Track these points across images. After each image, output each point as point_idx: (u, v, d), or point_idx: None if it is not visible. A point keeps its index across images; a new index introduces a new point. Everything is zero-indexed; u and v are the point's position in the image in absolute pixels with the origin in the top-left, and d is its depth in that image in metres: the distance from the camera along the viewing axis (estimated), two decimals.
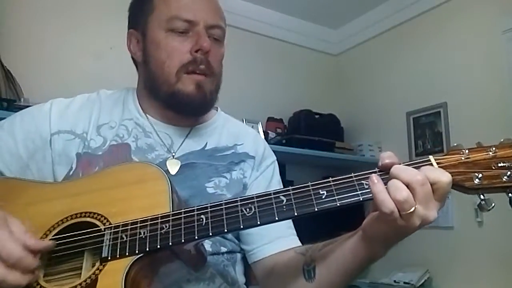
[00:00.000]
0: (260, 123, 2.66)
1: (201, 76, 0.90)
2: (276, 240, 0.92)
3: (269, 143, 2.74)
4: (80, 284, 0.68)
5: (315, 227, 1.25)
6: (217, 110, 1.05)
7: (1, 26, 2.11)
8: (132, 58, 1.00)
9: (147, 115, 0.96)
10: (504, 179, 0.62)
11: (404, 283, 2.46)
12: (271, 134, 2.73)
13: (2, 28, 2.10)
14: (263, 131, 2.66)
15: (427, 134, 2.66)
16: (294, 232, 0.96)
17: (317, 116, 2.89)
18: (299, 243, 0.94)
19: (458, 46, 2.54)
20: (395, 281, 2.51)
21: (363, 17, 3.09)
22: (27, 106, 1.84)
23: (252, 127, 2.57)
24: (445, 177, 0.62)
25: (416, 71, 2.77)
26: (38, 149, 0.90)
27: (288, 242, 0.93)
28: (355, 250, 0.73)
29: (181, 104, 0.91)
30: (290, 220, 0.96)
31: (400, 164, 0.65)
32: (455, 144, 0.67)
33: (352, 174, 0.67)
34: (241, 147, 0.99)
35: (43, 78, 2.15)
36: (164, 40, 0.89)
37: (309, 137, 2.72)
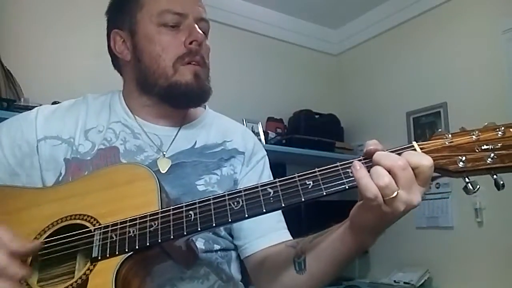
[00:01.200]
0: (260, 123, 2.66)
1: (197, 66, 0.92)
2: (267, 234, 0.92)
3: (269, 143, 2.74)
4: (71, 285, 0.68)
5: (310, 223, 1.26)
6: (205, 108, 1.06)
7: (1, 26, 2.11)
8: (113, 61, 1.00)
9: (136, 116, 0.96)
10: (488, 161, 0.62)
11: (404, 283, 2.46)
12: (271, 134, 2.73)
13: (2, 28, 2.11)
14: (263, 131, 2.66)
15: (427, 134, 2.65)
16: (285, 225, 0.97)
17: (317, 116, 2.89)
18: (290, 237, 0.94)
19: (458, 46, 2.54)
20: (395, 281, 2.51)
21: (363, 17, 3.10)
22: (27, 106, 1.86)
23: (252, 127, 2.57)
24: (426, 160, 0.63)
25: (416, 71, 2.77)
26: (25, 156, 0.89)
27: (280, 235, 0.93)
28: (344, 239, 0.74)
29: (179, 94, 0.91)
30: (281, 214, 0.97)
31: (383, 150, 0.66)
32: (439, 130, 0.68)
33: (338, 163, 0.67)
34: (230, 143, 0.99)
35: (43, 78, 2.15)
36: (157, 34, 0.90)
37: (309, 137, 2.72)
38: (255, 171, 0.99)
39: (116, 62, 1.00)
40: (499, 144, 0.62)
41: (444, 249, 2.49)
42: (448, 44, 2.60)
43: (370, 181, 0.62)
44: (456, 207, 2.45)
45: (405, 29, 2.87)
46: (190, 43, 0.90)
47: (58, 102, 1.20)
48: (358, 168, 0.64)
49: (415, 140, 0.68)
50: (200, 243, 0.86)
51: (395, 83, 2.90)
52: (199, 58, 0.92)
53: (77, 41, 2.30)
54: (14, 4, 2.18)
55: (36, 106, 1.82)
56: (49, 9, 2.26)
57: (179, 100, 0.93)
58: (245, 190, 0.69)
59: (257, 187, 0.68)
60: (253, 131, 2.59)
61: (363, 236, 0.71)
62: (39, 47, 2.20)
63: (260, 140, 2.51)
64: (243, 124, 2.51)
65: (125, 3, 0.95)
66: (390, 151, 0.66)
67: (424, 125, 2.68)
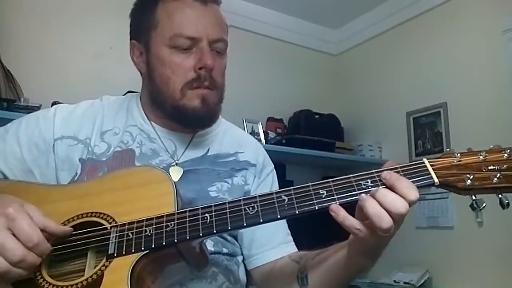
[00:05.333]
0: (260, 123, 2.66)
1: (206, 90, 0.91)
2: (278, 246, 0.96)
3: (269, 143, 2.74)
4: (86, 279, 0.69)
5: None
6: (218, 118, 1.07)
7: (1, 26, 2.11)
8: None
9: (152, 122, 0.98)
10: (494, 181, 0.65)
11: (404, 283, 2.46)
12: (271, 134, 2.73)
13: (2, 28, 2.11)
14: (263, 131, 2.66)
15: (427, 134, 2.66)
16: (292, 238, 1.00)
17: (317, 116, 2.89)
18: (296, 249, 0.98)
19: (458, 46, 2.55)
20: (395, 281, 2.51)
21: (363, 17, 3.10)
22: (27, 106, 1.86)
23: (252, 127, 2.57)
24: (414, 197, 0.65)
25: (416, 71, 2.77)
26: (41, 154, 0.91)
27: (289, 248, 0.97)
28: (344, 262, 0.77)
29: (186, 117, 0.92)
30: (287, 227, 1.01)
31: (396, 166, 0.69)
32: (448, 150, 0.71)
33: (351, 175, 0.70)
34: (242, 155, 1.01)
35: (43, 78, 2.15)
36: (168, 57, 0.90)
37: (309, 137, 2.72)
38: (265, 184, 1.02)
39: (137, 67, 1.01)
40: (504, 165, 0.66)
41: (444, 249, 2.49)
42: (448, 44, 2.60)
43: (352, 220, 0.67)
44: (456, 207, 2.45)
45: (405, 29, 2.86)
46: (200, 68, 0.89)
47: (58, 102, 1.20)
48: (336, 210, 0.67)
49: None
50: (209, 245, 0.88)
51: (395, 83, 2.90)
52: (207, 84, 0.91)
53: (77, 41, 2.30)
54: (14, 4, 2.18)
55: (36, 106, 1.84)
56: (49, 9, 2.26)
57: (186, 122, 0.94)
58: (260, 196, 0.71)
59: (271, 194, 0.70)
60: (253, 131, 2.60)
61: (362, 260, 0.75)
62: (39, 47, 2.20)
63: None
64: (243, 124, 2.52)
65: (143, 17, 0.95)
66: (401, 167, 0.69)
67: (424, 125, 2.68)
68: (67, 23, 2.29)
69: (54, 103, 1.73)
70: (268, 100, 2.91)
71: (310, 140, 2.71)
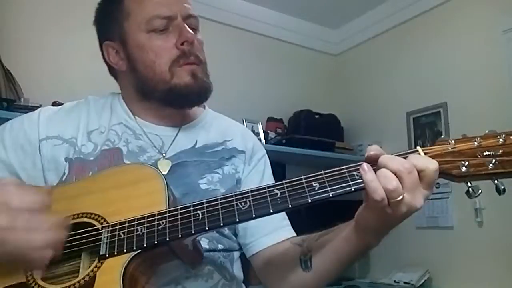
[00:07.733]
0: (260, 123, 2.66)
1: (194, 65, 0.92)
2: (273, 232, 0.94)
3: (269, 143, 2.74)
4: (78, 281, 0.68)
5: (312, 221, 1.27)
6: (204, 108, 1.06)
7: (1, 26, 2.11)
8: (109, 69, 1.01)
9: (136, 117, 0.97)
10: (489, 167, 0.64)
11: (404, 283, 2.46)
12: (271, 134, 2.73)
13: (2, 28, 2.11)
14: (263, 131, 2.66)
15: (427, 134, 2.66)
16: (289, 223, 0.98)
17: (317, 116, 2.89)
18: (294, 233, 0.96)
19: (458, 46, 2.55)
20: (395, 281, 2.51)
21: (363, 17, 3.10)
22: (27, 106, 1.86)
23: (252, 127, 2.57)
24: (432, 164, 0.64)
25: (416, 71, 2.77)
26: (27, 156, 0.90)
27: (285, 232, 0.95)
28: (349, 240, 0.75)
29: (181, 96, 0.91)
30: (284, 212, 0.97)
31: (391, 155, 0.67)
32: (442, 136, 0.70)
33: (344, 167, 0.69)
34: (230, 142, 1.00)
35: (43, 78, 2.15)
36: (148, 41, 0.90)
37: (309, 137, 2.72)
38: (257, 170, 1.00)
39: (113, 71, 1.00)
40: (500, 151, 0.65)
41: (444, 249, 2.49)
42: (448, 44, 2.60)
43: (378, 184, 0.63)
44: (456, 207, 2.45)
45: (405, 29, 2.86)
46: (182, 44, 0.90)
47: (58, 102, 1.21)
48: (367, 170, 0.65)
49: (419, 145, 0.70)
50: (204, 243, 0.87)
51: (395, 83, 2.90)
52: (193, 58, 0.91)
53: (77, 41, 2.28)
54: (14, 5, 2.18)
55: (36, 106, 1.85)
56: (49, 10, 2.26)
57: (181, 101, 0.94)
58: (252, 191, 0.70)
59: (264, 188, 0.70)
60: (253, 131, 2.58)
61: (367, 237, 0.73)
62: (39, 47, 2.20)
63: (260, 140, 2.51)
64: (243, 124, 2.52)
65: (111, 13, 0.95)
66: (395, 155, 0.67)
67: (424, 125, 2.68)
68: (67, 23, 2.29)
69: (54, 103, 1.73)
70: (268, 100, 2.91)
71: (310, 140, 2.71)
